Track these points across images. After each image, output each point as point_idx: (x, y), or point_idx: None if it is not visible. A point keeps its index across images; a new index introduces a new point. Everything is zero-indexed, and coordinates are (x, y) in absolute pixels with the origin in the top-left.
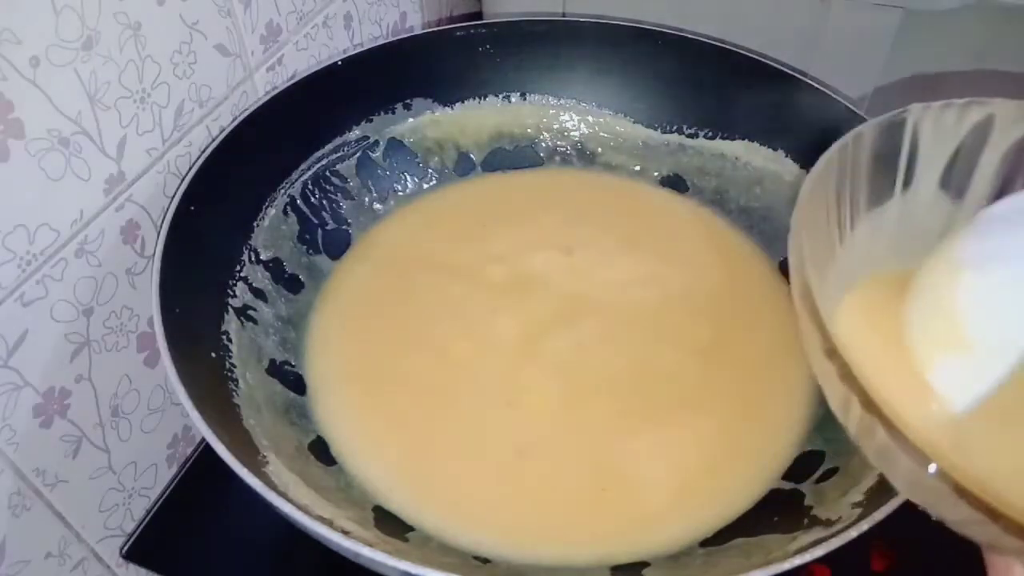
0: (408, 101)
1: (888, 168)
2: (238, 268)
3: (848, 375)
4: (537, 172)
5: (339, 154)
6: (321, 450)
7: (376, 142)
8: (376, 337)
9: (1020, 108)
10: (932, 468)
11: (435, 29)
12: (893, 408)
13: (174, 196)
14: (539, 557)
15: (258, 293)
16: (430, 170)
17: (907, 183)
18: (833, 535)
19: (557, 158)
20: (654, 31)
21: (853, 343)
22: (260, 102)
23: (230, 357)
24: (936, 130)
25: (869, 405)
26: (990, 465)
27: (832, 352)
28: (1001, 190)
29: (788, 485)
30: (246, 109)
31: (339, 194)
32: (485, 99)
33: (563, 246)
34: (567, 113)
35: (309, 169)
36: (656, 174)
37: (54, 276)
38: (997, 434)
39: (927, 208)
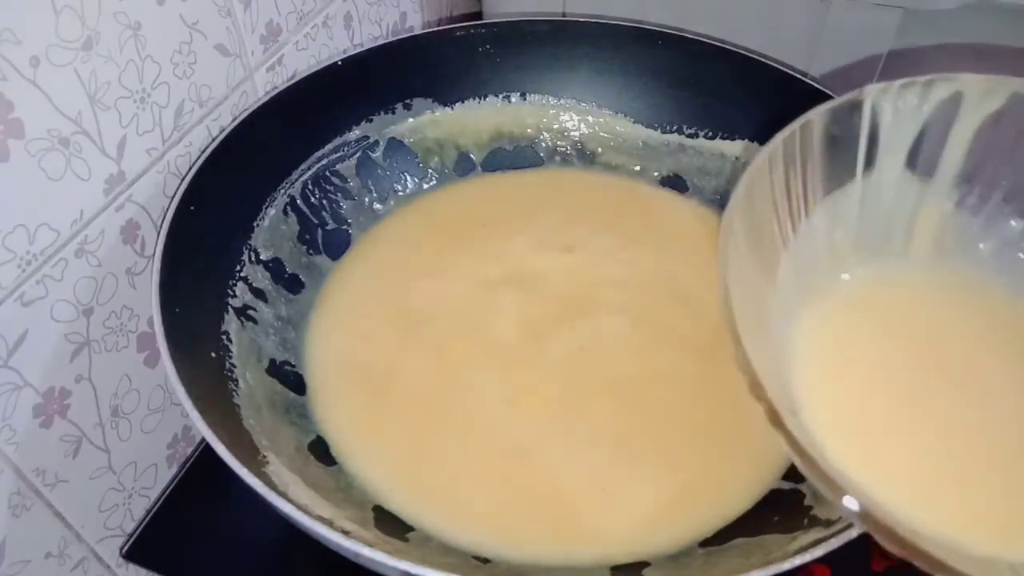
0: (408, 101)
1: (845, 151)
2: (238, 268)
3: (775, 418)
4: (537, 172)
5: (339, 154)
6: (321, 450)
7: (376, 142)
8: (376, 337)
9: (989, 82)
10: (852, 503)
11: (435, 29)
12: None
13: (174, 196)
14: (539, 557)
15: (258, 293)
16: (430, 170)
17: (868, 165)
18: (833, 535)
19: (557, 158)
20: (654, 31)
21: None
22: (260, 102)
23: (230, 357)
24: (898, 110)
25: (795, 446)
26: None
27: (758, 392)
28: (975, 166)
29: (788, 485)
30: (246, 109)
31: (339, 194)
32: (485, 99)
33: (563, 246)
34: (567, 113)
35: (309, 169)
36: (656, 174)
37: (54, 276)
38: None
39: (893, 189)
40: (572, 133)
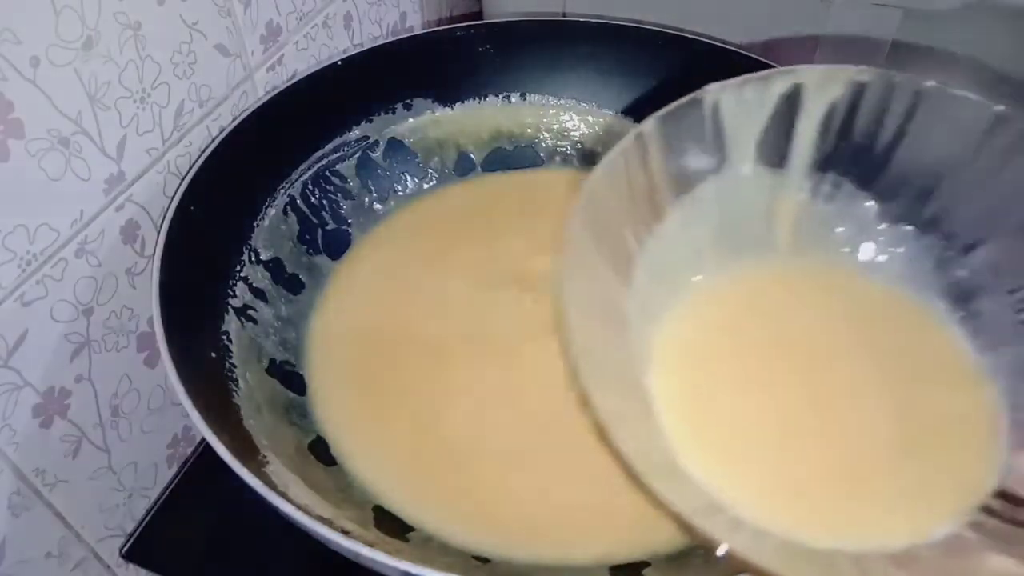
0: (408, 101)
1: (692, 152)
2: (238, 268)
3: (602, 434)
4: (537, 172)
5: (339, 154)
6: (321, 450)
7: (376, 142)
8: (376, 337)
9: (826, 72)
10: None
11: (435, 29)
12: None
13: (174, 196)
14: (539, 557)
15: (258, 293)
16: (430, 170)
17: (718, 163)
18: None
19: (557, 158)
20: (654, 31)
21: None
22: (260, 102)
23: (230, 357)
24: (740, 106)
25: (623, 463)
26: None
27: (586, 407)
28: (824, 154)
29: None
30: (246, 109)
31: (339, 194)
32: (485, 99)
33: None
34: (567, 113)
35: (309, 169)
36: None
37: (54, 276)
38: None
39: (747, 184)
40: (572, 133)
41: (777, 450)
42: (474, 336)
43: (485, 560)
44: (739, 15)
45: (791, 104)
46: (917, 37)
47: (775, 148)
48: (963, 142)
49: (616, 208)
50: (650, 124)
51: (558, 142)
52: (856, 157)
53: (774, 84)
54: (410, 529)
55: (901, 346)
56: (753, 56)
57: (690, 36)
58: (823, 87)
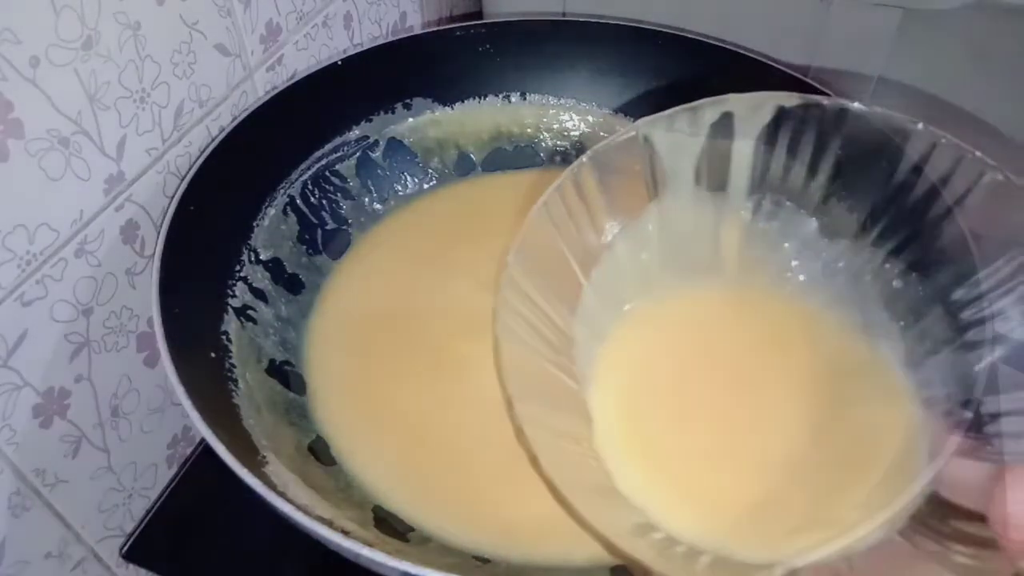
0: (408, 101)
1: (631, 184)
2: (238, 268)
3: (535, 464)
4: (537, 172)
5: (339, 154)
6: (321, 450)
7: (376, 142)
8: (376, 337)
9: (754, 99)
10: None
11: (435, 29)
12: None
13: (174, 196)
14: (539, 557)
15: (258, 293)
16: (430, 170)
17: (657, 192)
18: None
19: (557, 158)
20: (654, 31)
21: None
22: (260, 102)
23: (230, 357)
24: (671, 138)
25: (552, 491)
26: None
27: (521, 441)
28: (762, 175)
29: None
30: (246, 109)
31: (339, 194)
32: (485, 99)
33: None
34: (567, 113)
35: (309, 169)
36: None
37: (54, 276)
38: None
39: (689, 209)
40: (572, 133)
41: (711, 468)
42: (474, 336)
43: (485, 560)
44: (739, 15)
45: (724, 131)
46: (917, 37)
47: (714, 173)
48: (887, 156)
49: (558, 241)
50: (583, 162)
51: (558, 142)
52: (791, 177)
53: (704, 114)
54: (410, 529)
55: (834, 364)
56: (753, 55)
57: (690, 36)
58: (753, 113)
